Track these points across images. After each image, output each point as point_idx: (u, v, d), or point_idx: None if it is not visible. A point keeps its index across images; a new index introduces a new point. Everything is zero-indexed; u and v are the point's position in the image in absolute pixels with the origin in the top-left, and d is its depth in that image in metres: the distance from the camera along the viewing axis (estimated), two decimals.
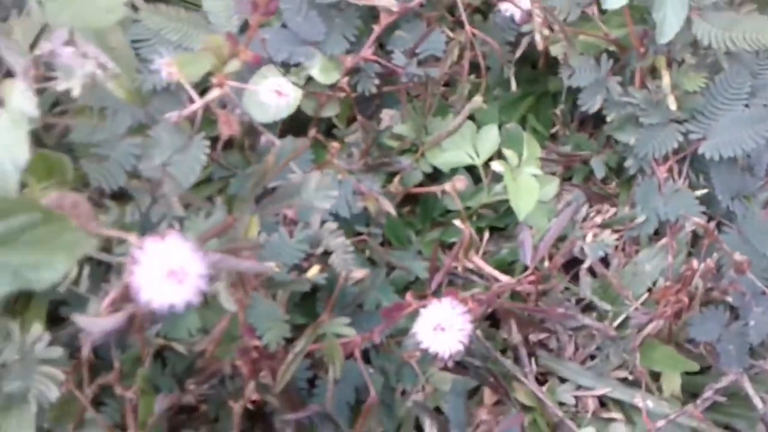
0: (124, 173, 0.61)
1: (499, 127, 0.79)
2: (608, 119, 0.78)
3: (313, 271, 0.61)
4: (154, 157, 0.57)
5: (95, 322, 0.49)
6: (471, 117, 0.79)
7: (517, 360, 0.75)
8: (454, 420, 0.69)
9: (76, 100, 0.65)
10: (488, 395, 0.74)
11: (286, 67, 0.72)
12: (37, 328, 0.56)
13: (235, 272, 0.50)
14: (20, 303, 0.68)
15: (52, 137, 0.65)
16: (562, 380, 0.75)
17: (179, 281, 0.38)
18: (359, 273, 0.65)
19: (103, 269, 0.65)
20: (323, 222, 0.66)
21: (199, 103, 0.56)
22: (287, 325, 0.61)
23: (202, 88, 0.61)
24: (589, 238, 0.74)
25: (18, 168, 0.49)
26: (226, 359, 0.62)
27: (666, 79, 0.75)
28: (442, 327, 0.57)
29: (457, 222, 0.76)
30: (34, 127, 0.53)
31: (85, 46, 0.53)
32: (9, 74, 0.59)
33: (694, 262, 0.69)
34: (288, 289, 0.60)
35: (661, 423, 0.68)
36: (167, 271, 0.39)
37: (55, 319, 0.65)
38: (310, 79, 0.74)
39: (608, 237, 0.73)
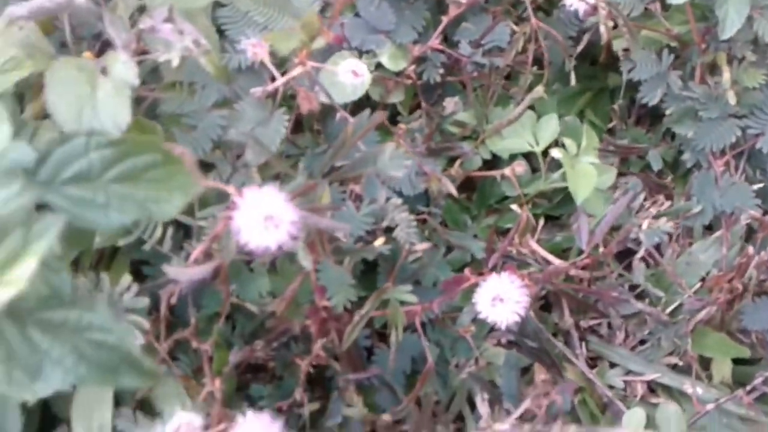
0: (211, 142, 0.65)
1: (558, 119, 0.82)
2: (667, 112, 0.80)
3: (379, 242, 0.65)
4: (239, 129, 0.61)
5: (184, 271, 0.53)
6: (530, 108, 0.82)
7: (568, 344, 0.77)
8: (507, 392, 0.71)
9: (164, 77, 0.72)
10: (539, 374, 0.76)
11: (358, 54, 0.76)
12: (126, 279, 0.61)
13: (313, 233, 0.54)
14: (103, 262, 0.73)
15: (141, 110, 0.71)
16: (612, 365, 0.77)
17: (275, 225, 0.42)
18: (422, 246, 0.68)
19: (181, 234, 0.70)
20: (388, 198, 0.70)
21: (281, 80, 0.60)
22: (353, 289, 0.64)
23: (281, 70, 0.65)
24: (645, 225, 0.75)
25: (120, 130, 0.54)
26: (294, 320, 0.66)
27: (726, 75, 0.76)
28: (501, 298, 0.59)
29: (514, 206, 0.79)
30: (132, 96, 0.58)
31: (182, 23, 0.58)
32: (103, 48, 0.65)
33: (750, 250, 0.70)
34: (355, 256, 0.64)
35: (710, 406, 0.69)
36: (264, 216, 0.43)
37: (135, 280, 0.70)
38: (378, 66, 0.78)
39: (664, 224, 0.75)
